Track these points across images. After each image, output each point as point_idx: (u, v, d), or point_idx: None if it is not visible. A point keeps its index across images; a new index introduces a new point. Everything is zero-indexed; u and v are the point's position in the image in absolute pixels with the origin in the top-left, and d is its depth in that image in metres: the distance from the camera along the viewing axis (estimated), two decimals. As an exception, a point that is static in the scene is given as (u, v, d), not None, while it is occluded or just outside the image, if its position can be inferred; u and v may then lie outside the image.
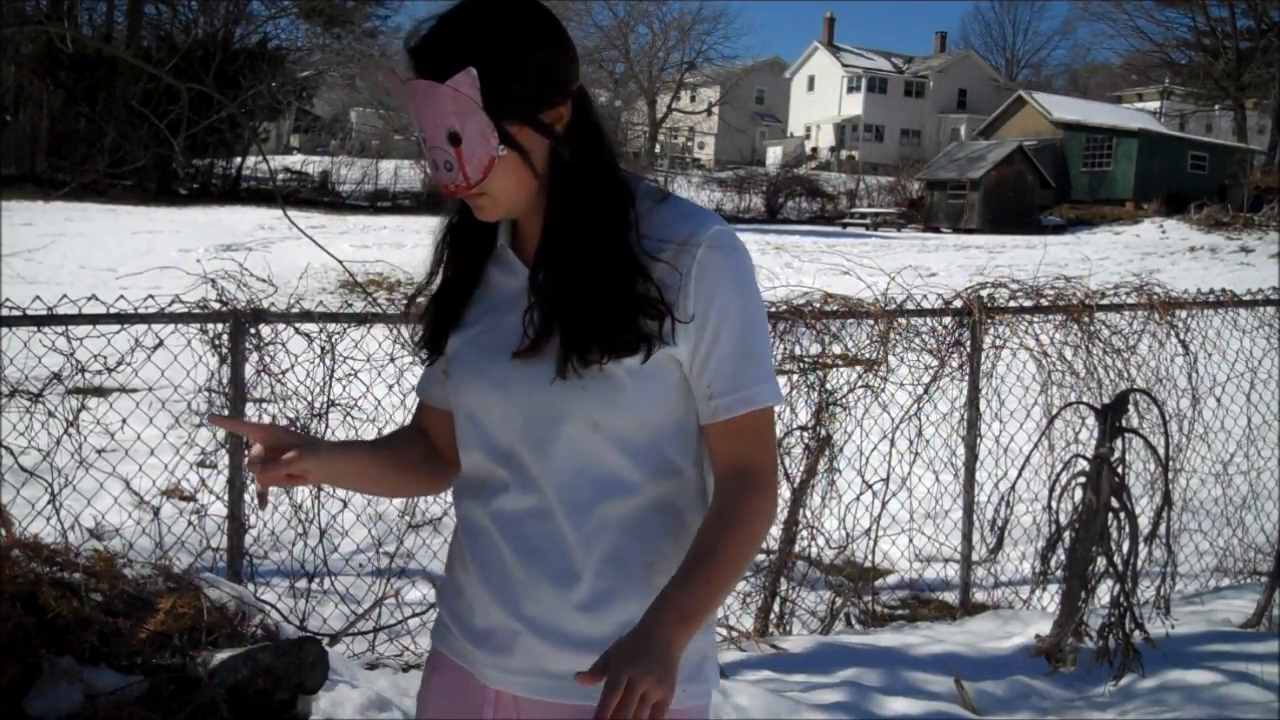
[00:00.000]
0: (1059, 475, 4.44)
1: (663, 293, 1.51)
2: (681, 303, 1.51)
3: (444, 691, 1.73)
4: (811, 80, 61.99)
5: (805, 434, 4.75)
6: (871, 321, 4.88)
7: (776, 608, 4.76)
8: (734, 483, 1.55)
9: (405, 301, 1.76)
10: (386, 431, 1.90)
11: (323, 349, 4.36)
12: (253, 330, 4.20)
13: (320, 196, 34.95)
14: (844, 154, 55.19)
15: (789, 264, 20.87)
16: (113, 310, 3.95)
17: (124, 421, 4.48)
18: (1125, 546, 4.22)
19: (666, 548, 1.58)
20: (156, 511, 4.37)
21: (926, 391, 4.99)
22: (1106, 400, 4.68)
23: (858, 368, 4.84)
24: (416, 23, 1.56)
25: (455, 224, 1.68)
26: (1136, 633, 4.13)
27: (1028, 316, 5.20)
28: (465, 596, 1.67)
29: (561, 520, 1.56)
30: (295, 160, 40.62)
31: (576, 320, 1.51)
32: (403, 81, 1.53)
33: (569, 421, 1.54)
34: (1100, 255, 23.93)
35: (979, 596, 5.27)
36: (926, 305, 5.02)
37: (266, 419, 4.34)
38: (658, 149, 55.00)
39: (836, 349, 4.88)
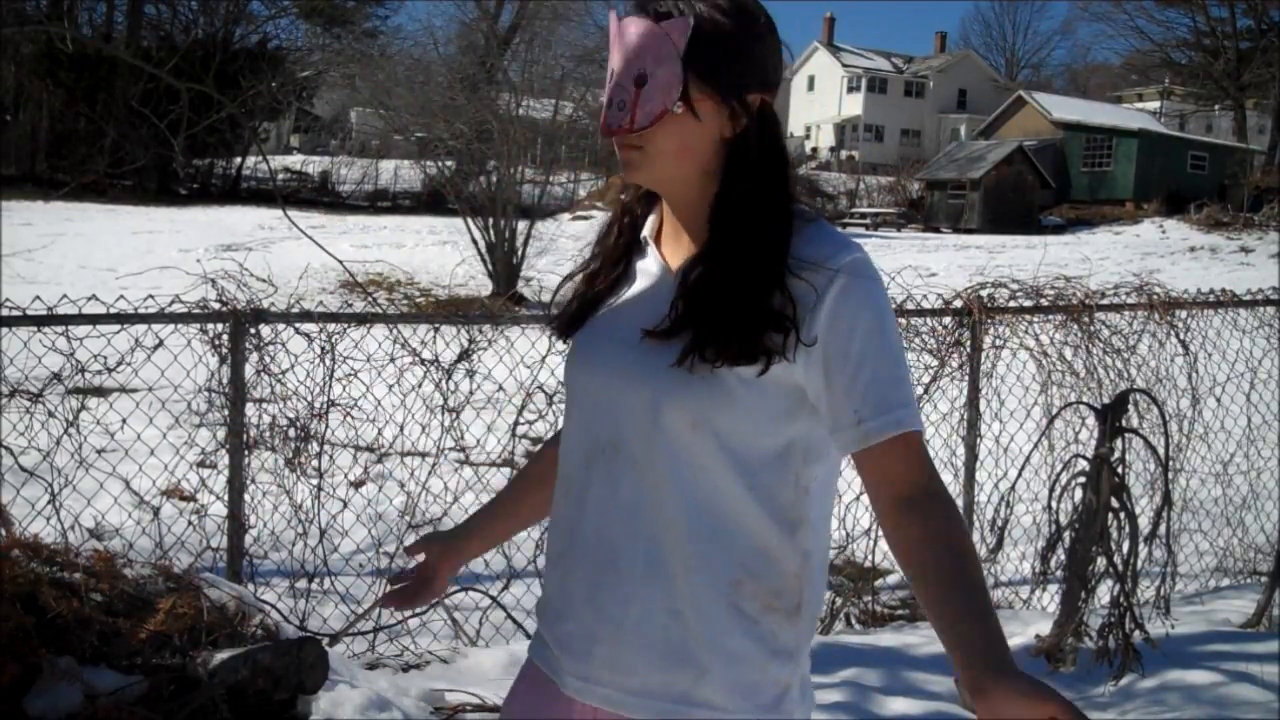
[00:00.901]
0: (1059, 475, 4.44)
1: (796, 310, 1.48)
2: (809, 324, 1.49)
3: (526, 698, 1.71)
4: (811, 80, 61.98)
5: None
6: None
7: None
8: (915, 514, 1.50)
9: (561, 280, 1.74)
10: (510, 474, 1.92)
11: (323, 349, 4.36)
12: (253, 330, 4.20)
13: (320, 196, 34.96)
14: (844, 154, 55.18)
15: (789, 264, 20.83)
16: (113, 310, 3.95)
17: (124, 421, 4.48)
18: (1125, 546, 4.22)
19: (756, 568, 1.53)
20: (156, 511, 4.37)
21: (926, 391, 4.99)
22: (1106, 400, 4.68)
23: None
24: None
25: (619, 216, 1.68)
26: (1136, 633, 4.13)
27: (1028, 316, 5.20)
28: (553, 599, 1.65)
29: (655, 521, 1.53)
30: (295, 160, 40.64)
31: (713, 319, 1.49)
32: (619, 19, 1.54)
33: (669, 413, 1.51)
34: (1100, 255, 23.93)
35: (979, 596, 5.26)
36: (926, 305, 5.02)
37: (266, 419, 4.34)
38: (658, 149, 54.89)
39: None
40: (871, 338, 1.50)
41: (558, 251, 17.88)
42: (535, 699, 1.67)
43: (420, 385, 4.52)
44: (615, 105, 1.51)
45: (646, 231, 1.65)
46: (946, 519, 1.50)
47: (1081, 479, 4.32)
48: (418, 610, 4.35)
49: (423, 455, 4.68)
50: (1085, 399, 4.93)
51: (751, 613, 1.53)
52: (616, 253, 1.67)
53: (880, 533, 5.04)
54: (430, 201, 30.97)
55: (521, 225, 18.28)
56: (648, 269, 1.63)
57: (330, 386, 4.38)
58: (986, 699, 1.37)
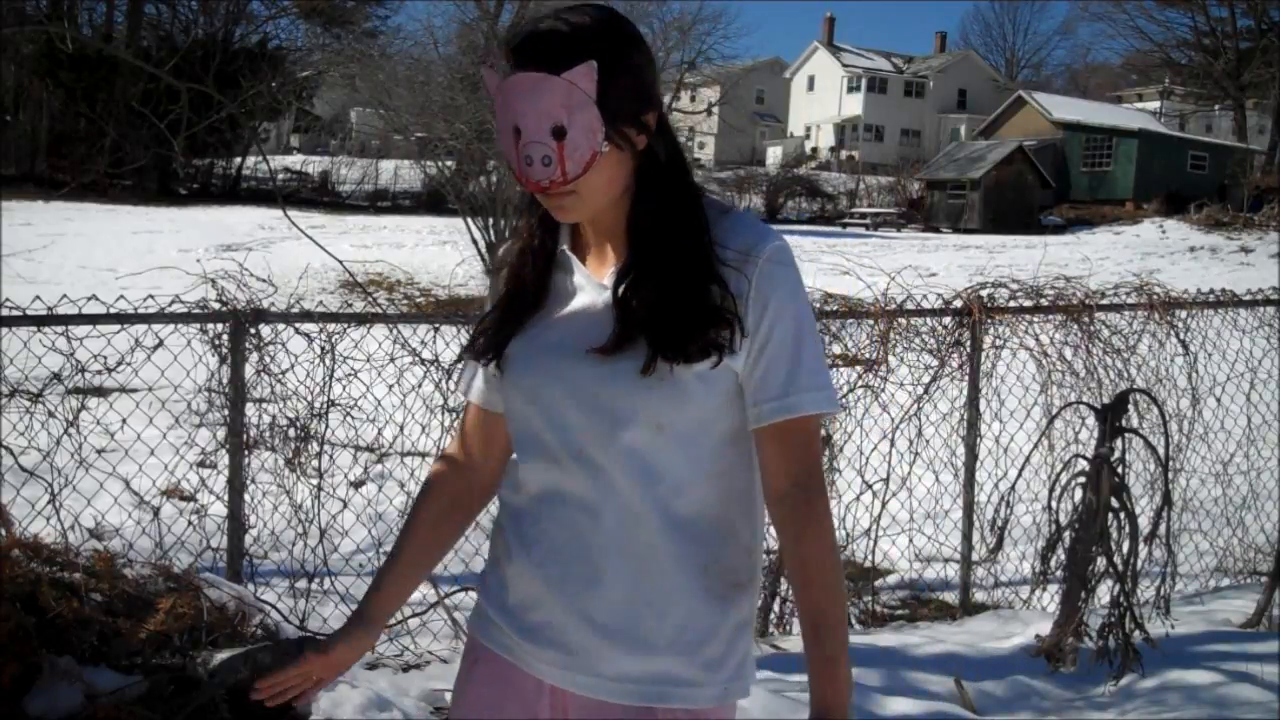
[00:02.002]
0: (1059, 475, 4.43)
1: (735, 303, 1.57)
2: (746, 314, 1.57)
3: (490, 684, 1.73)
4: (811, 80, 61.97)
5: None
6: (871, 321, 4.88)
7: (776, 608, 4.76)
8: (793, 518, 1.61)
9: (478, 320, 1.77)
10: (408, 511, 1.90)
11: (323, 349, 4.36)
12: (253, 330, 4.20)
13: (320, 196, 34.98)
14: (844, 154, 55.18)
15: (789, 264, 20.83)
16: (113, 310, 3.95)
17: (124, 421, 4.48)
18: (1125, 546, 4.22)
19: (720, 550, 1.63)
20: (156, 511, 4.37)
21: (926, 391, 4.99)
22: (1106, 400, 4.68)
23: (858, 368, 4.84)
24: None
25: (529, 240, 1.70)
26: (1136, 633, 4.12)
27: (1028, 316, 5.20)
28: (515, 590, 1.69)
29: (623, 518, 1.60)
30: (295, 160, 40.66)
31: (665, 324, 1.55)
32: (504, 77, 1.55)
33: (635, 422, 1.57)
34: (1100, 255, 23.93)
35: (979, 596, 5.27)
36: (926, 305, 5.02)
37: (266, 419, 4.34)
38: (658, 149, 54.90)
39: (836, 349, 4.88)
40: (783, 322, 1.59)
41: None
42: (498, 684, 1.71)
43: (420, 385, 4.52)
44: (539, 162, 1.54)
45: (565, 245, 1.68)
46: (819, 534, 1.60)
47: (1081, 479, 4.32)
48: (418, 610, 4.35)
49: (423, 455, 4.68)
50: (1085, 399, 4.93)
51: (719, 591, 1.63)
52: (535, 274, 1.69)
53: (880, 533, 5.06)
54: (430, 201, 30.98)
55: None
56: (576, 283, 1.66)
57: (330, 386, 4.38)
58: None
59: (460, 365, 1.84)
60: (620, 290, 1.59)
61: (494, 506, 1.83)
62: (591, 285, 1.64)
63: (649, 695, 1.61)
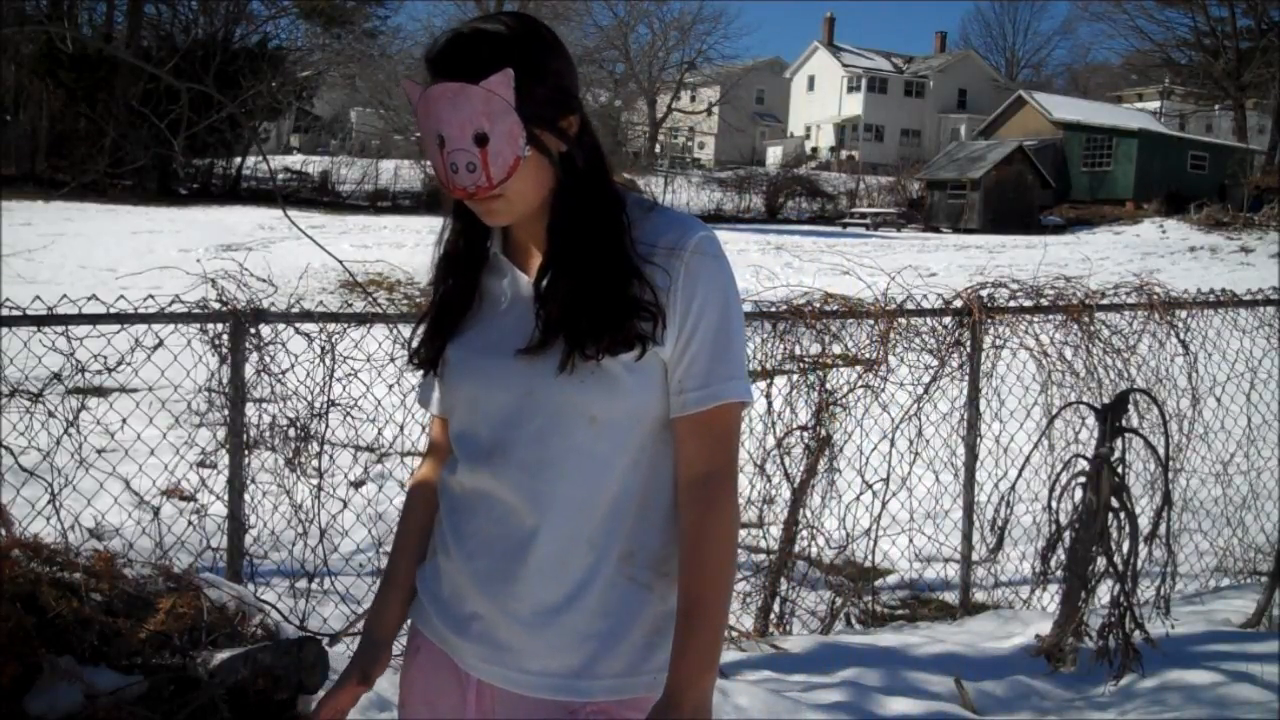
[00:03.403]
0: (1059, 475, 4.43)
1: (656, 295, 1.59)
2: (671, 305, 1.60)
3: (428, 672, 1.77)
4: (811, 80, 61.97)
5: (805, 434, 4.75)
6: (871, 321, 4.87)
7: (776, 608, 4.76)
8: (697, 501, 1.62)
9: (416, 321, 1.80)
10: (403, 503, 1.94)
11: (323, 349, 4.36)
12: (253, 330, 4.20)
13: (320, 196, 34.96)
14: (844, 154, 55.18)
15: (789, 264, 20.87)
16: (113, 310, 3.95)
17: (124, 421, 4.47)
18: (1125, 546, 4.22)
19: (644, 537, 1.64)
20: (156, 511, 4.37)
21: (926, 391, 4.99)
22: (1106, 400, 4.68)
23: (858, 368, 4.84)
24: (432, 36, 1.62)
25: (453, 247, 1.73)
26: (1136, 633, 4.12)
27: (1028, 316, 5.20)
28: (447, 582, 1.72)
29: (552, 511, 1.62)
30: (295, 160, 40.64)
31: (581, 320, 1.58)
32: (424, 87, 1.58)
33: (568, 415, 1.60)
34: (1100, 255, 23.92)
35: (979, 596, 5.27)
36: (926, 305, 5.02)
37: (266, 419, 4.34)
38: (658, 149, 54.99)
39: (836, 349, 4.88)
40: (708, 311, 1.61)
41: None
42: (434, 674, 1.75)
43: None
44: (464, 169, 1.57)
45: (496, 248, 1.71)
46: (719, 522, 1.60)
47: (1081, 479, 4.32)
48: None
49: (423, 455, 4.67)
50: (1085, 399, 4.93)
51: (644, 580, 1.64)
52: (465, 278, 1.72)
53: (880, 533, 5.07)
54: (430, 201, 30.96)
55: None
56: (509, 284, 1.69)
57: (330, 386, 4.38)
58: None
59: (418, 378, 1.85)
60: (539, 290, 1.62)
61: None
62: (522, 286, 1.67)
63: (574, 690, 1.62)
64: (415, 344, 1.77)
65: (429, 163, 1.62)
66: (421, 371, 1.80)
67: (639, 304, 1.58)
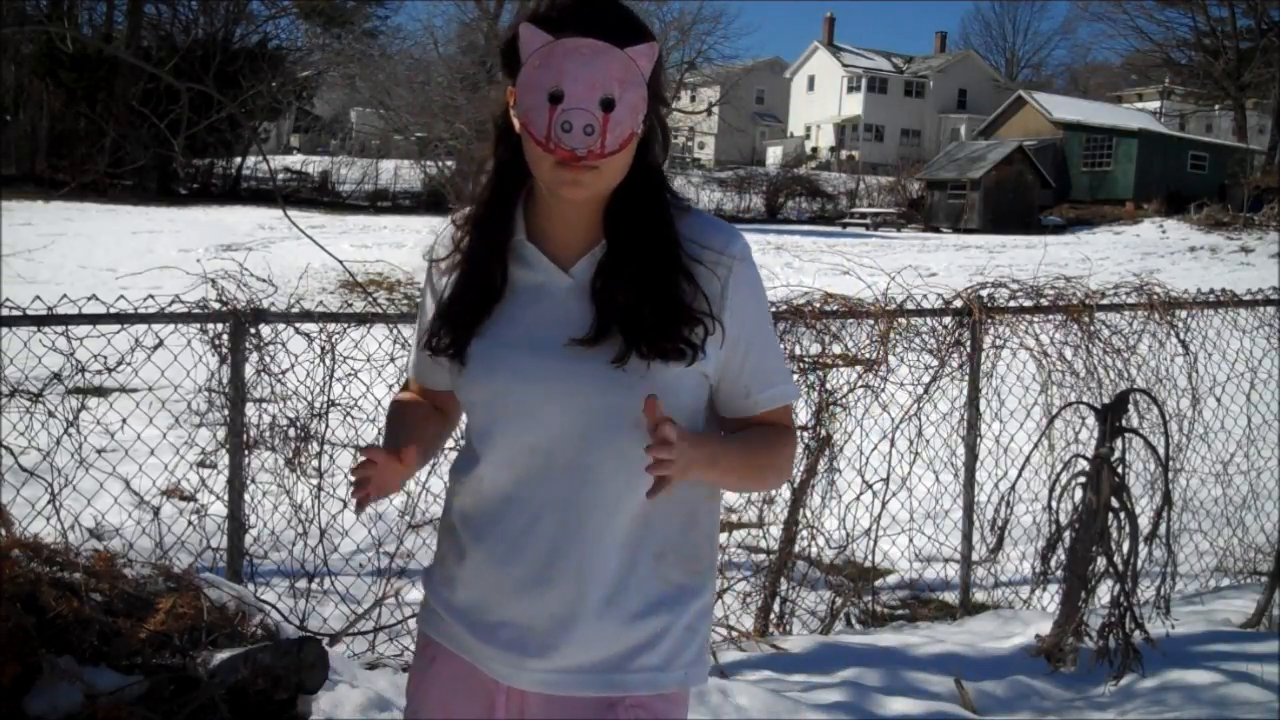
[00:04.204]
0: (1059, 475, 4.43)
1: (710, 305, 1.61)
2: (721, 314, 1.62)
3: (449, 682, 1.74)
4: (811, 80, 61.96)
5: (805, 434, 4.75)
6: (871, 321, 4.87)
7: (776, 608, 4.76)
8: (774, 429, 1.73)
9: (435, 316, 1.72)
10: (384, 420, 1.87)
11: (323, 349, 4.36)
12: (253, 330, 4.20)
13: (320, 196, 34.96)
14: (844, 154, 55.16)
15: (789, 264, 20.88)
16: (113, 310, 3.95)
17: (124, 421, 4.47)
18: (1125, 546, 4.22)
19: (675, 538, 1.65)
20: (156, 511, 4.37)
21: (926, 391, 4.98)
22: (1106, 400, 4.67)
23: (858, 368, 4.84)
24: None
25: (482, 217, 1.68)
26: (1136, 633, 4.12)
27: (1028, 316, 5.20)
28: (465, 590, 1.69)
29: (588, 514, 1.61)
30: (295, 160, 40.63)
31: (643, 312, 1.57)
32: (555, 37, 1.51)
33: (613, 417, 1.58)
34: (1100, 255, 23.92)
35: (979, 596, 5.27)
36: (926, 305, 5.02)
37: (266, 419, 4.34)
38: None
39: (836, 349, 4.87)
40: (759, 320, 1.69)
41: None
42: (457, 682, 1.72)
43: (420, 385, 4.51)
44: (580, 130, 1.50)
45: (521, 234, 1.66)
46: (783, 438, 1.74)
47: (1081, 479, 4.32)
48: (417, 611, 4.35)
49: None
50: (1085, 399, 4.93)
51: (678, 580, 1.65)
52: (496, 266, 1.66)
53: (880, 533, 5.06)
54: (430, 201, 30.96)
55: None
56: (539, 276, 1.64)
57: (330, 386, 4.38)
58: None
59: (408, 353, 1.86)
60: (598, 282, 1.59)
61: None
62: (556, 277, 1.63)
63: (612, 684, 1.62)
64: (434, 333, 1.69)
65: (526, 118, 1.52)
66: (424, 350, 1.71)
67: (693, 313, 1.59)
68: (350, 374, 4.45)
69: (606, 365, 1.56)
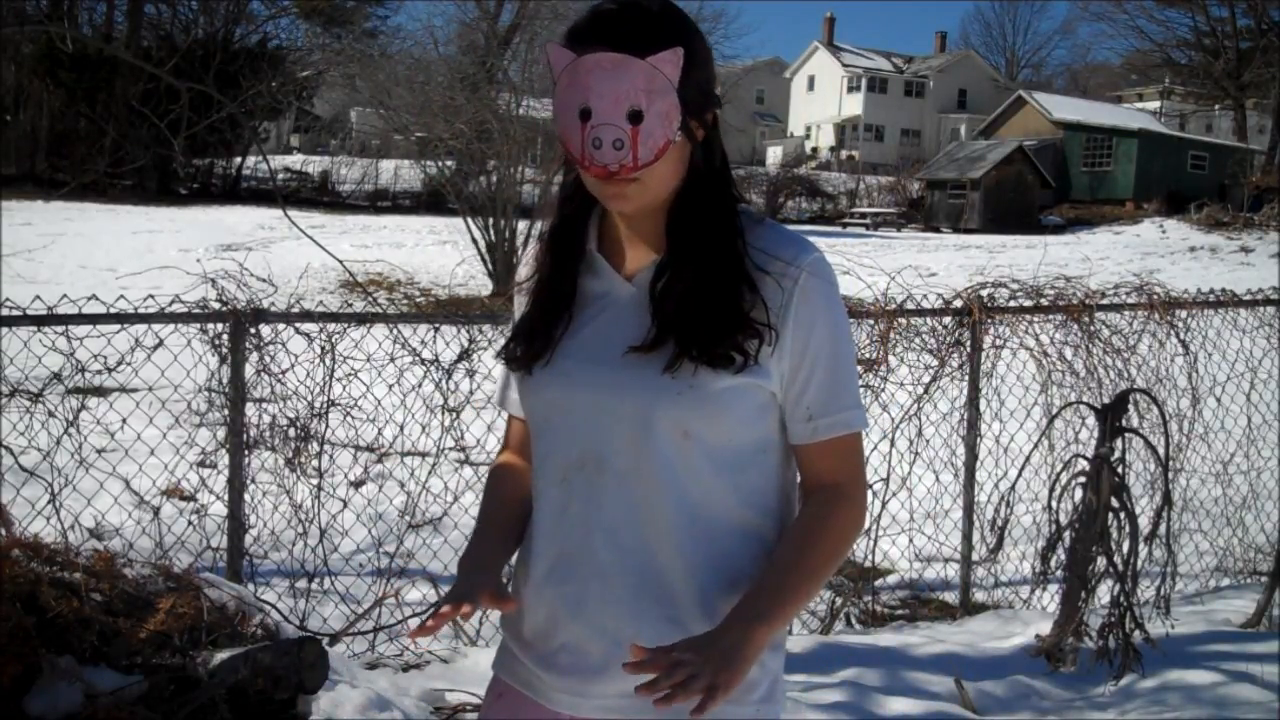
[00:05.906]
0: (1059, 475, 4.43)
1: (768, 314, 1.53)
2: (782, 326, 1.54)
3: (507, 717, 1.70)
4: (811, 80, 61.96)
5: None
6: (871, 321, 4.87)
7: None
8: (824, 495, 1.59)
9: (514, 328, 1.70)
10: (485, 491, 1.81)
11: (323, 349, 4.36)
12: (253, 330, 4.20)
13: (320, 196, 34.97)
14: (844, 154, 55.17)
15: (789, 264, 20.82)
16: (113, 310, 3.95)
17: (124, 421, 4.48)
18: (1125, 546, 4.22)
19: (751, 566, 1.57)
20: (156, 511, 4.37)
21: (926, 391, 4.99)
22: (1106, 400, 4.67)
23: (858, 367, 4.84)
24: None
25: (556, 230, 1.66)
26: (1136, 633, 4.12)
27: (1028, 316, 5.20)
28: (532, 614, 1.64)
29: (647, 533, 1.55)
30: (295, 160, 40.63)
31: (698, 318, 1.52)
32: (574, 53, 1.49)
33: (662, 425, 1.53)
34: (1100, 255, 23.93)
35: (979, 596, 5.27)
36: (926, 305, 5.02)
37: (266, 419, 4.34)
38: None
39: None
40: (827, 338, 1.57)
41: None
42: (519, 716, 1.67)
43: (420, 385, 4.52)
44: (610, 145, 1.48)
45: (592, 245, 1.64)
46: (832, 511, 1.58)
47: (1081, 479, 4.32)
48: (418, 611, 4.36)
49: (423, 455, 4.68)
50: (1085, 399, 4.93)
51: (733, 597, 1.55)
52: (570, 277, 1.64)
53: (880, 533, 5.06)
54: (430, 201, 30.96)
55: (522, 225, 18.28)
56: (604, 286, 1.62)
57: (330, 386, 4.38)
58: (686, 641, 1.45)
59: (500, 376, 1.77)
60: (656, 288, 1.56)
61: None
62: (619, 287, 1.60)
63: (675, 713, 1.48)
64: (514, 345, 1.66)
65: (564, 136, 1.51)
66: (508, 370, 1.69)
67: (748, 321, 1.52)
68: (350, 374, 4.45)
69: (658, 374, 1.51)
